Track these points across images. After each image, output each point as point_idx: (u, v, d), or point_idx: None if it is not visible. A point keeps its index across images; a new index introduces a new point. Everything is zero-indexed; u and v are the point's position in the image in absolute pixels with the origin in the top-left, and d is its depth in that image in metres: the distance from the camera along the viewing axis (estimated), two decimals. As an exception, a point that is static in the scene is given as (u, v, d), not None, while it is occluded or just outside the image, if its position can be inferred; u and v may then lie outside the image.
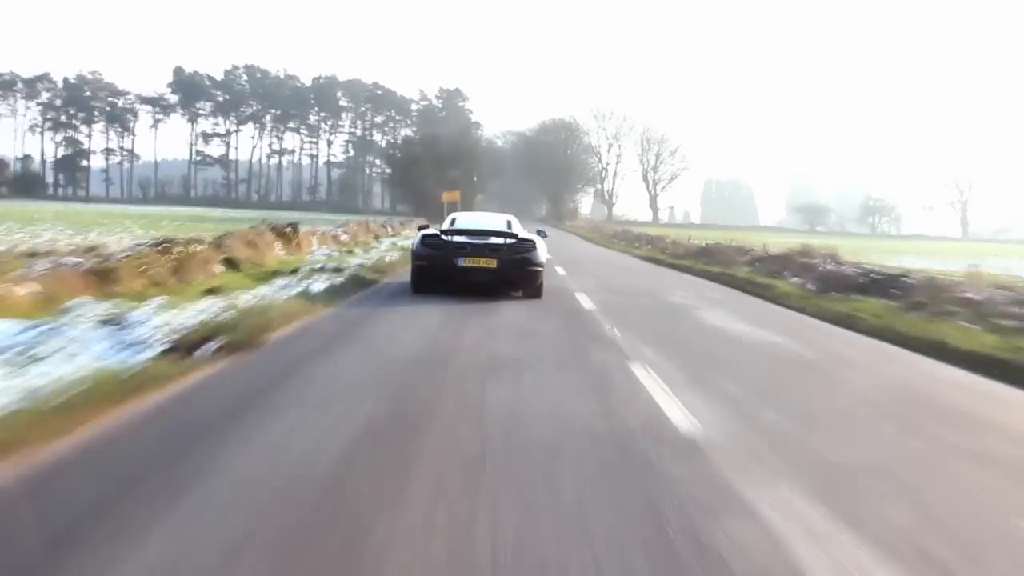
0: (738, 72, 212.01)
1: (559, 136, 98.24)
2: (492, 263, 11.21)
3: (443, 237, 11.33)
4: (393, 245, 23.25)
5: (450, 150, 72.12)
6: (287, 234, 16.32)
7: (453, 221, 12.19)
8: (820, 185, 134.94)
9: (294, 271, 12.36)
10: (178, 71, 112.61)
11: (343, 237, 22.64)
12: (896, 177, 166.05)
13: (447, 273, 11.06)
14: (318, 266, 13.24)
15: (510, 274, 11.25)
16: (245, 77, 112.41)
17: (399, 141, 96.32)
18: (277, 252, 14.91)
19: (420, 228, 12.52)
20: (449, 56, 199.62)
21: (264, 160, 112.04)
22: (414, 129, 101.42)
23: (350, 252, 18.57)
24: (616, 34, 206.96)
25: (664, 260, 24.51)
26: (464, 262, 11.16)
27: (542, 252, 11.62)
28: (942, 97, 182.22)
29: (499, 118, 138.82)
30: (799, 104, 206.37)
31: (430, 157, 69.97)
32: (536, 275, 11.37)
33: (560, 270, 17.17)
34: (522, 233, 11.85)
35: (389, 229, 33.41)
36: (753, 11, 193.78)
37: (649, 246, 33.22)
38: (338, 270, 12.80)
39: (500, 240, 11.47)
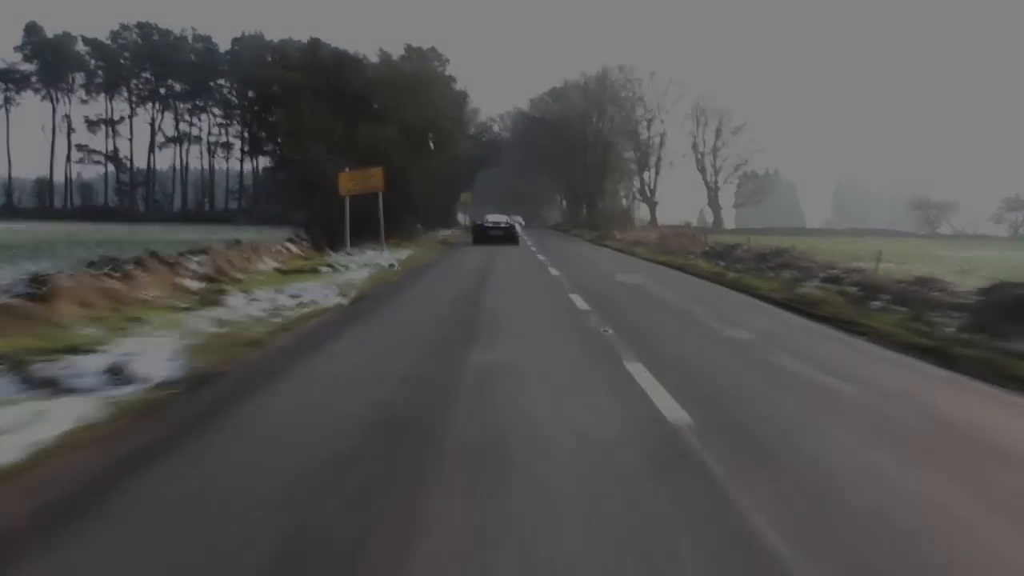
0: (769, 46, 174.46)
1: (589, 100, 61.34)
2: (501, 232, 46.94)
3: (483, 224, 49.12)
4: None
5: (371, 86, 29.68)
6: None
7: (484, 218, 51.45)
8: (872, 181, 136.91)
9: None
10: (33, 29, 73.39)
11: None
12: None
13: (486, 235, 46.63)
14: None
15: (507, 237, 45.92)
16: (138, 40, 72.99)
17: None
18: None
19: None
20: (421, 10, 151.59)
21: (160, 153, 75.93)
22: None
23: None
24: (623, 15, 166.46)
25: None
26: (492, 232, 47.31)
27: (519, 229, 51.97)
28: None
29: (493, 103, 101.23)
30: (846, 83, 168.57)
31: (325, 97, 27.62)
32: (517, 237, 47.14)
33: None
34: (511, 221, 49.21)
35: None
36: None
37: None
38: None
39: (503, 224, 47.98)
